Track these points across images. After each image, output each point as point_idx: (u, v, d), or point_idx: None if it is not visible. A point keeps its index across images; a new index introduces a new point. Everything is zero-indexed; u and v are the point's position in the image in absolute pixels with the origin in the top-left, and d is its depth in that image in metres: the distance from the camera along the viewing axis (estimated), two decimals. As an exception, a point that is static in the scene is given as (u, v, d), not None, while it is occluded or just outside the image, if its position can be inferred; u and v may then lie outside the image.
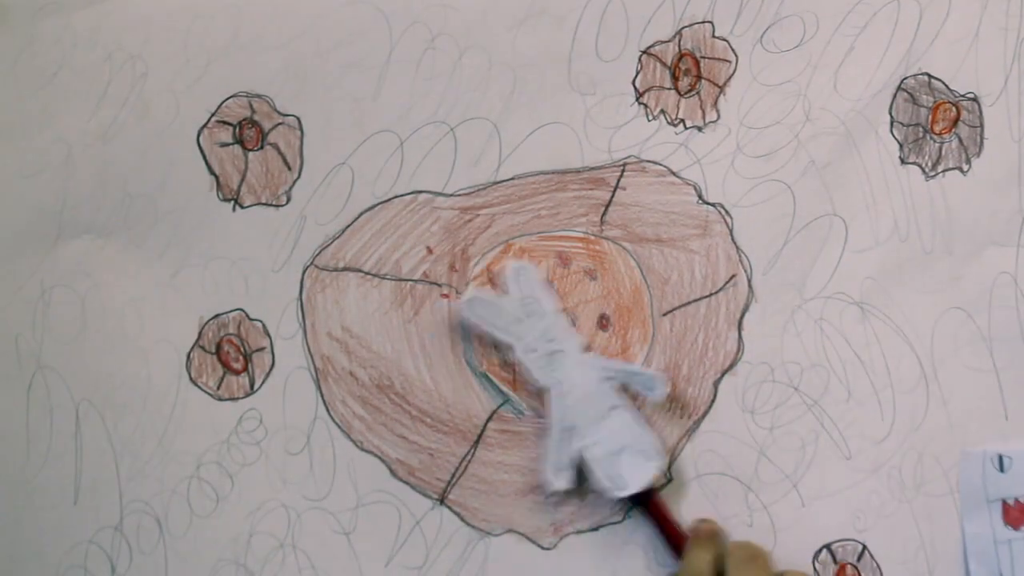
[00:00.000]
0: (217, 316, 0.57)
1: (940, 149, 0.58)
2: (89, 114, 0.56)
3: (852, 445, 0.57)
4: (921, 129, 0.58)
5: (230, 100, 0.57)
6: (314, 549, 0.56)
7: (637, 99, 0.58)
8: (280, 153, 0.57)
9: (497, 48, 0.57)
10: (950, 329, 0.58)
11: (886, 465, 0.57)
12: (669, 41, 0.58)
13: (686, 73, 0.58)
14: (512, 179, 0.58)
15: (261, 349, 0.57)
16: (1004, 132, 0.58)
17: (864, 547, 0.57)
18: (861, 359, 0.58)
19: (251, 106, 0.57)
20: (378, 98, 0.57)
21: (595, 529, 0.57)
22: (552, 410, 0.54)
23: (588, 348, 0.56)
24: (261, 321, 0.57)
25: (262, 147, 0.57)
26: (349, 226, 0.57)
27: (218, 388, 0.57)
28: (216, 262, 0.57)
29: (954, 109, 0.58)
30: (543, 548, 0.57)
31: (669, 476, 0.57)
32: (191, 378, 0.57)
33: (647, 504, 0.55)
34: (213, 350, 0.57)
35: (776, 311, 0.58)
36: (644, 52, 0.58)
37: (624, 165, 0.58)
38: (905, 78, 0.58)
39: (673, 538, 0.55)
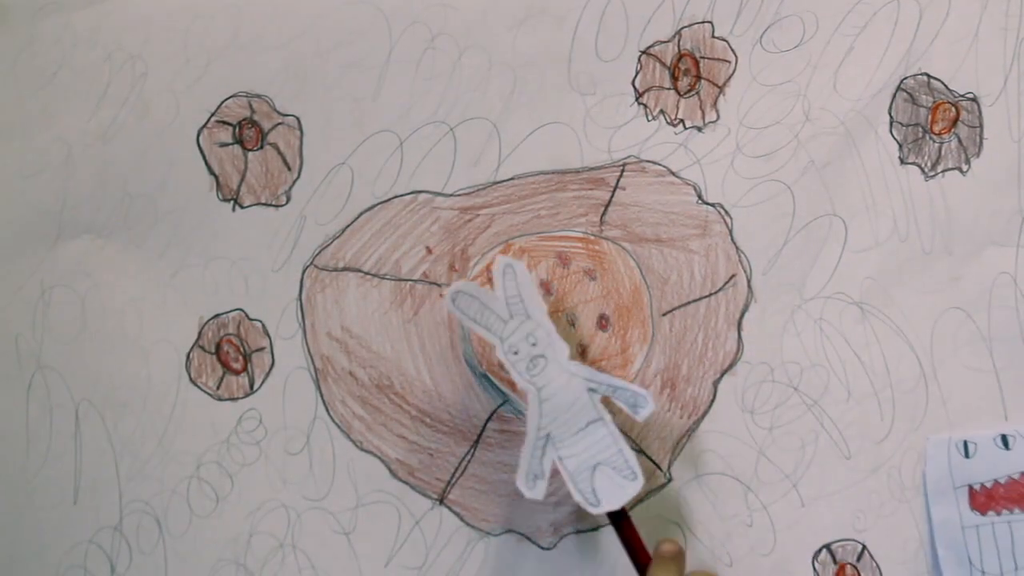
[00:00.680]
0: (217, 316, 0.57)
1: (939, 149, 0.58)
2: (89, 114, 0.56)
3: (852, 445, 0.57)
4: (921, 129, 0.58)
5: (230, 100, 0.57)
6: (314, 549, 0.56)
7: (637, 99, 0.58)
8: (280, 153, 0.57)
9: (497, 48, 0.57)
10: (950, 329, 0.58)
11: (886, 465, 0.57)
12: (669, 41, 0.58)
13: (686, 73, 0.58)
14: (512, 179, 0.58)
15: (261, 349, 0.57)
16: (1003, 132, 0.58)
17: (864, 547, 0.57)
18: (861, 359, 0.58)
19: (251, 106, 0.57)
20: (378, 98, 0.57)
21: (595, 529, 0.57)
22: (529, 416, 0.52)
23: (577, 356, 0.55)
24: (261, 321, 0.57)
25: (262, 147, 0.57)
26: (349, 226, 0.57)
27: (218, 388, 0.57)
28: (216, 262, 0.57)
29: (953, 109, 0.58)
30: (543, 548, 0.57)
31: (669, 476, 0.57)
32: (191, 378, 0.57)
33: (619, 522, 0.53)
34: (213, 350, 0.57)
35: (776, 311, 0.58)
36: (644, 52, 0.58)
37: (624, 165, 0.58)
38: (905, 78, 0.58)
39: (639, 558, 0.53)
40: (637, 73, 0.58)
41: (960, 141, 0.58)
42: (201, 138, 0.57)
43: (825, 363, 0.58)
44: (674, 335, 0.58)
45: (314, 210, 0.57)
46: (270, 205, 0.57)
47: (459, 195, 0.58)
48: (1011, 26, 0.58)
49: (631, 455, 0.52)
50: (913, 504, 0.57)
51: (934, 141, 0.58)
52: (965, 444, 0.57)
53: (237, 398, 0.57)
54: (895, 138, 0.58)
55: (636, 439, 0.58)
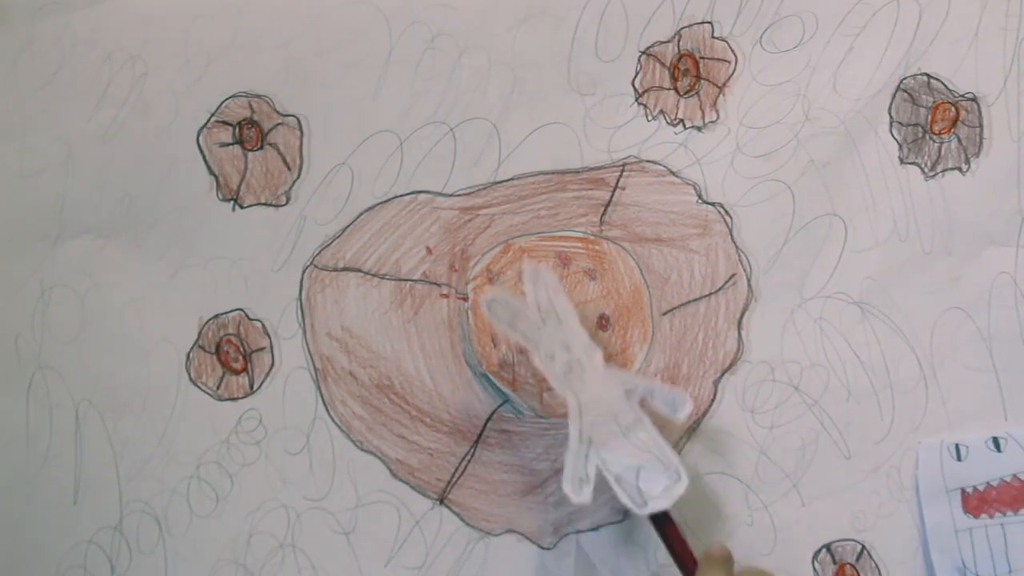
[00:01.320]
0: (217, 316, 0.57)
1: (939, 149, 0.58)
2: (89, 114, 0.56)
3: (852, 445, 0.57)
4: (921, 129, 0.58)
5: (230, 100, 0.57)
6: (314, 549, 0.56)
7: (637, 99, 0.58)
8: (280, 153, 0.57)
9: (497, 48, 0.57)
10: (949, 329, 0.58)
11: (885, 465, 0.57)
12: (669, 41, 0.58)
13: (685, 73, 0.58)
14: (512, 179, 0.58)
15: (261, 349, 0.57)
16: (1004, 132, 0.58)
17: (863, 547, 0.57)
18: (861, 359, 0.58)
19: (251, 106, 0.57)
20: (378, 98, 0.57)
21: (595, 529, 0.57)
22: (571, 423, 0.51)
23: (607, 359, 0.55)
24: (261, 321, 0.57)
25: (262, 147, 0.57)
26: (349, 226, 0.57)
27: (218, 388, 0.57)
28: (216, 262, 0.57)
29: (953, 109, 0.58)
30: (543, 548, 0.57)
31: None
32: (191, 378, 0.57)
33: (663, 524, 0.53)
34: (213, 350, 0.57)
35: (776, 311, 0.58)
36: (644, 52, 0.58)
37: (624, 165, 0.58)
38: (905, 78, 0.58)
39: (685, 560, 0.53)
40: (637, 73, 0.58)
41: (960, 141, 0.58)
42: (201, 138, 0.57)
43: (825, 363, 0.58)
44: (674, 335, 0.58)
45: (314, 210, 0.57)
46: (270, 205, 0.57)
47: (459, 195, 0.58)
48: (1011, 26, 0.58)
49: (674, 455, 0.52)
50: (913, 504, 0.57)
51: (934, 141, 0.58)
52: (957, 447, 0.57)
53: (237, 398, 0.57)
54: (895, 138, 0.58)
55: (636, 439, 0.58)
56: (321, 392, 0.57)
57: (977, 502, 0.57)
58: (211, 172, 0.57)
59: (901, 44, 0.58)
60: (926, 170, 0.58)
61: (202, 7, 0.57)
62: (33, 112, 0.56)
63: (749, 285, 0.58)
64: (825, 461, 0.57)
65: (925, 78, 0.58)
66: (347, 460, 0.57)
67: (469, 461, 0.57)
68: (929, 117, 0.58)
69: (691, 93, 0.58)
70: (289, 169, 0.57)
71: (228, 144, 0.57)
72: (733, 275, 0.58)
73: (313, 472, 0.56)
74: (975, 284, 0.58)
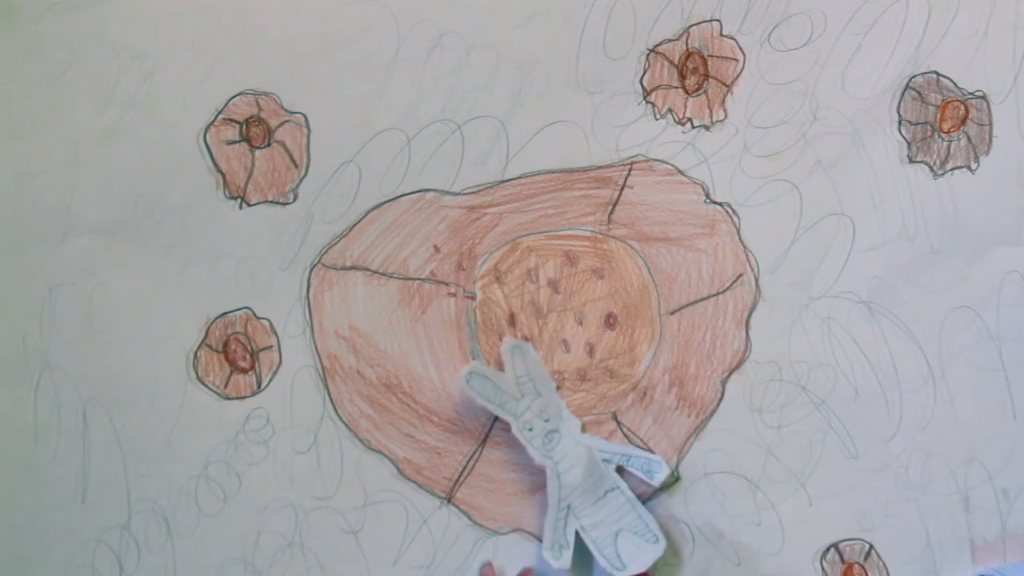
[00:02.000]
0: (224, 315, 0.57)
1: (948, 147, 0.58)
2: (96, 113, 0.56)
3: (859, 444, 0.57)
4: (929, 127, 0.58)
5: (236, 98, 0.57)
6: (322, 548, 0.56)
7: (644, 98, 0.58)
8: (287, 151, 0.57)
9: (504, 46, 0.57)
10: (958, 328, 0.58)
11: (893, 464, 0.57)
12: (676, 39, 0.58)
13: (693, 72, 0.58)
14: (519, 177, 0.58)
15: (268, 348, 0.57)
16: (1013, 130, 0.58)
17: (871, 546, 0.57)
18: (868, 358, 0.58)
19: (258, 104, 0.57)
20: (385, 96, 0.57)
21: (602, 528, 0.57)
22: (550, 490, 0.54)
23: (583, 429, 0.57)
24: (268, 319, 0.57)
25: (268, 145, 0.57)
26: (356, 224, 0.57)
27: (225, 387, 0.57)
28: (222, 260, 0.57)
29: (963, 107, 0.58)
30: (550, 547, 0.57)
31: (677, 475, 0.57)
32: (198, 377, 0.57)
33: None
34: (220, 349, 0.57)
35: (783, 310, 0.58)
36: (651, 50, 0.58)
37: (631, 164, 0.58)
38: (913, 76, 0.58)
39: None
40: (645, 71, 0.58)
41: (969, 139, 0.58)
42: (208, 136, 0.57)
43: (833, 362, 0.58)
44: (682, 334, 0.58)
45: (321, 208, 0.57)
46: (277, 203, 0.57)
47: (466, 193, 0.58)
48: (1020, 23, 0.58)
49: (651, 519, 0.55)
50: (920, 503, 0.57)
51: (943, 139, 0.58)
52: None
53: (244, 397, 0.57)
54: (903, 136, 0.58)
55: (644, 439, 0.58)
56: (328, 391, 0.57)
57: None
58: (217, 170, 0.57)
59: (910, 42, 0.58)
60: (935, 168, 0.58)
61: (209, 5, 0.56)
62: (40, 110, 0.56)
63: (756, 284, 0.58)
64: (832, 460, 0.57)
65: (934, 76, 0.58)
66: (355, 459, 0.57)
67: (477, 460, 0.57)
68: (938, 115, 0.58)
69: (699, 92, 0.58)
70: (296, 167, 0.57)
71: (234, 142, 0.57)
72: (740, 274, 0.58)
73: (320, 471, 0.56)
74: (984, 283, 0.58)
